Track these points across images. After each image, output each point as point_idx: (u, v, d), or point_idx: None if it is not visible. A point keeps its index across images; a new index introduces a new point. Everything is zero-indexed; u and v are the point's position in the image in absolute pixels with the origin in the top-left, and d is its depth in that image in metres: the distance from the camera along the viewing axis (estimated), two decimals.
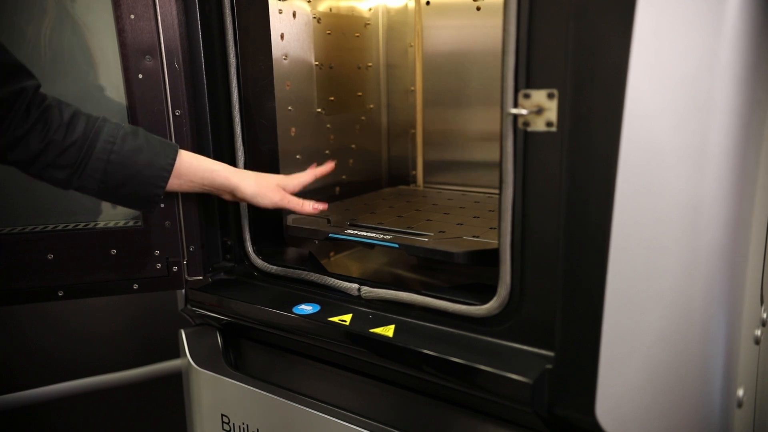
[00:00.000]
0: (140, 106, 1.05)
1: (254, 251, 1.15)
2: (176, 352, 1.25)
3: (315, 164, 1.15)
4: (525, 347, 0.84)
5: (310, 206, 1.06)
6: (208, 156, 1.12)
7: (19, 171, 0.93)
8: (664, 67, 0.64)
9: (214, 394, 1.16)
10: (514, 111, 0.76)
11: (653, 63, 0.65)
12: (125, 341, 1.96)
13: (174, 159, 0.96)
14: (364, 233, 1.11)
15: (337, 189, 1.50)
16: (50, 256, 1.07)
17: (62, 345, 1.89)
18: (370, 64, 1.57)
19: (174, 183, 0.97)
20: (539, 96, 0.75)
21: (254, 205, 1.05)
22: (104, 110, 1.13)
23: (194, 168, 0.99)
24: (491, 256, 0.88)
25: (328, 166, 1.14)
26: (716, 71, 0.63)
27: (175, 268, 1.13)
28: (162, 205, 1.09)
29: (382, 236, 1.08)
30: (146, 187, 0.95)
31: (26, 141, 0.88)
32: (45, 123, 0.88)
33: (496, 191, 0.82)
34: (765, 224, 0.81)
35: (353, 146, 1.54)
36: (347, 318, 0.97)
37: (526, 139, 0.77)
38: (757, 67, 0.66)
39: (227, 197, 1.05)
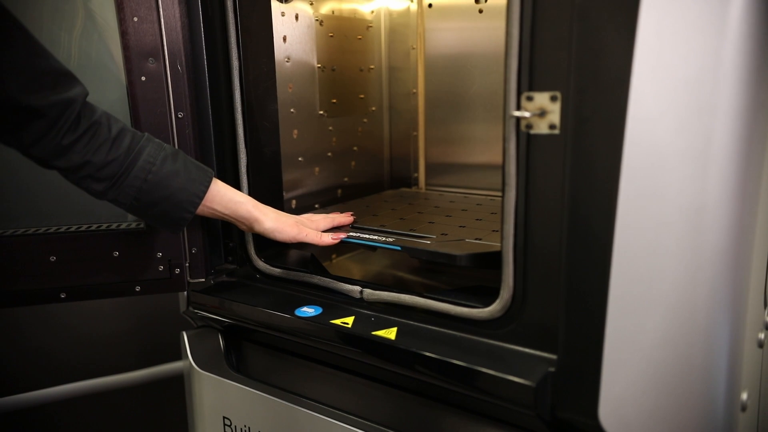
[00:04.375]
0: (143, 108, 1.05)
1: (256, 253, 1.15)
2: (178, 355, 1.25)
3: (338, 213, 1.18)
4: (528, 350, 0.83)
5: (328, 237, 1.07)
6: (211, 158, 1.13)
7: (61, 176, 0.94)
8: (667, 69, 0.64)
9: (216, 396, 1.15)
10: (516, 113, 0.76)
11: (656, 65, 0.65)
12: (127, 343, 1.97)
13: (207, 186, 0.98)
14: (367, 236, 1.11)
15: (339, 191, 1.50)
16: (52, 258, 1.08)
17: (64, 347, 1.89)
18: (372, 66, 1.57)
19: (200, 207, 0.99)
20: (542, 98, 0.75)
21: (271, 239, 1.07)
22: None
23: (220, 196, 1.01)
24: (494, 259, 0.88)
25: (346, 217, 1.17)
26: (719, 74, 0.63)
27: (177, 270, 1.13)
28: None
29: (384, 239, 1.08)
30: (177, 210, 0.97)
31: (72, 151, 0.90)
32: (92, 136, 0.90)
33: (499, 194, 0.82)
34: None
35: (355, 148, 1.54)
36: (349, 320, 0.97)
37: (528, 141, 0.77)
38: (760, 69, 0.66)
39: (243, 227, 1.07)
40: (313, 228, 1.09)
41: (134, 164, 0.93)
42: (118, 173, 0.92)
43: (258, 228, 1.04)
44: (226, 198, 1.02)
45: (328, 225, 1.12)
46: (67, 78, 0.90)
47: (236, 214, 1.03)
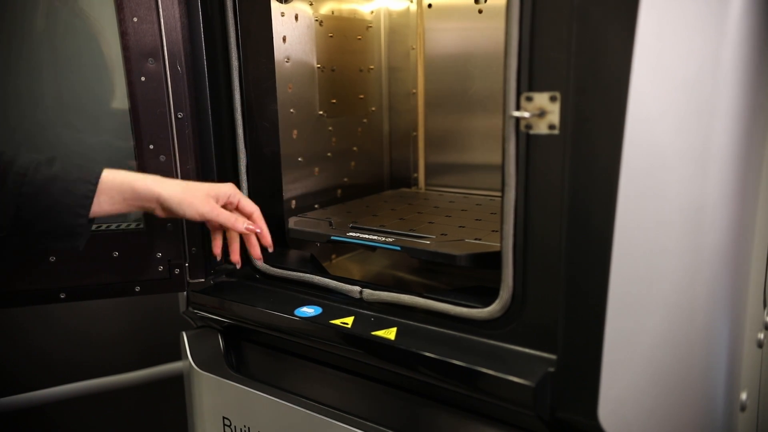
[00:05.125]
0: (143, 108, 1.05)
1: None
2: (178, 355, 1.25)
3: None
4: (527, 350, 0.83)
5: (242, 225, 0.99)
6: (211, 160, 1.13)
7: None
8: (667, 70, 0.64)
9: (216, 396, 1.15)
10: (516, 114, 0.76)
11: (656, 66, 0.65)
12: (127, 343, 1.97)
13: (95, 184, 0.88)
14: (366, 236, 1.11)
15: (339, 191, 1.50)
16: (52, 259, 1.08)
17: (63, 347, 1.89)
18: (372, 66, 1.57)
19: (95, 208, 0.89)
20: (541, 99, 0.75)
21: (182, 217, 0.98)
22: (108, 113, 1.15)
23: (111, 182, 0.90)
24: (493, 259, 0.88)
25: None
26: (719, 74, 0.63)
27: (177, 271, 1.13)
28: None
29: (384, 239, 1.08)
30: (67, 218, 0.87)
31: None
32: None
33: (498, 194, 0.82)
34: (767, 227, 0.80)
35: (355, 149, 1.54)
36: (349, 321, 0.97)
37: (528, 141, 0.77)
38: (759, 70, 0.66)
39: (159, 213, 0.96)
40: (229, 192, 1.00)
41: (4, 180, 0.84)
42: None
43: (165, 204, 0.94)
44: (118, 181, 0.90)
45: (248, 202, 1.03)
46: None
47: (135, 195, 0.92)
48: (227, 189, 1.02)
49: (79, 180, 0.88)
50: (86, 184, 0.88)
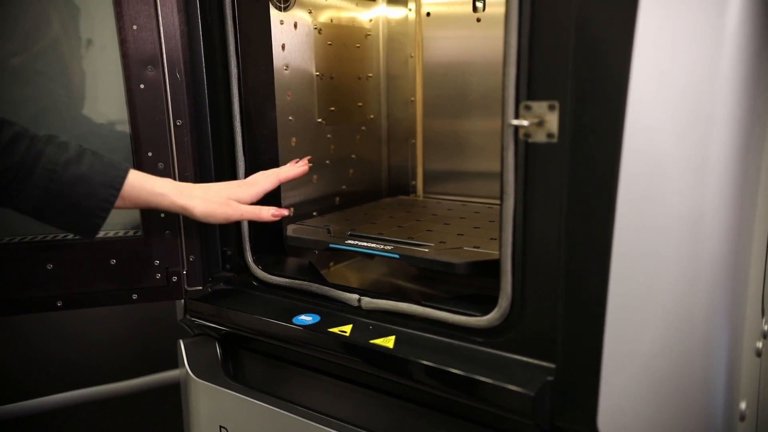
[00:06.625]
0: (141, 116, 1.05)
1: (254, 261, 1.15)
2: (175, 363, 1.24)
3: (308, 166, 1.06)
4: (526, 359, 0.83)
5: (268, 213, 0.99)
6: (209, 167, 1.13)
7: None
8: (666, 79, 0.65)
9: (213, 405, 1.15)
10: (515, 122, 0.76)
11: (654, 75, 0.65)
12: (124, 351, 1.96)
13: (118, 189, 0.90)
14: (365, 243, 1.11)
15: (337, 199, 1.50)
16: (49, 266, 1.07)
17: (60, 355, 1.88)
18: (370, 74, 1.58)
19: (118, 204, 0.92)
20: (540, 108, 0.75)
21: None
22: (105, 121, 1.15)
23: (137, 191, 0.92)
24: (492, 267, 0.88)
25: (293, 166, 1.05)
26: (717, 83, 0.64)
27: (174, 278, 1.13)
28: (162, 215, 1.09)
29: (382, 246, 1.08)
30: (86, 218, 0.89)
31: None
32: None
33: (497, 202, 0.82)
34: (766, 235, 0.80)
35: (353, 156, 1.54)
36: (347, 329, 0.97)
37: (527, 150, 0.77)
38: (758, 79, 0.66)
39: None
40: (253, 194, 1.00)
41: (33, 171, 0.85)
42: (14, 182, 0.84)
43: (190, 216, 0.97)
44: (145, 191, 0.93)
45: (273, 184, 1.02)
46: None
47: (161, 208, 0.96)
48: (248, 191, 1.01)
49: (105, 183, 0.89)
50: (110, 189, 0.90)
